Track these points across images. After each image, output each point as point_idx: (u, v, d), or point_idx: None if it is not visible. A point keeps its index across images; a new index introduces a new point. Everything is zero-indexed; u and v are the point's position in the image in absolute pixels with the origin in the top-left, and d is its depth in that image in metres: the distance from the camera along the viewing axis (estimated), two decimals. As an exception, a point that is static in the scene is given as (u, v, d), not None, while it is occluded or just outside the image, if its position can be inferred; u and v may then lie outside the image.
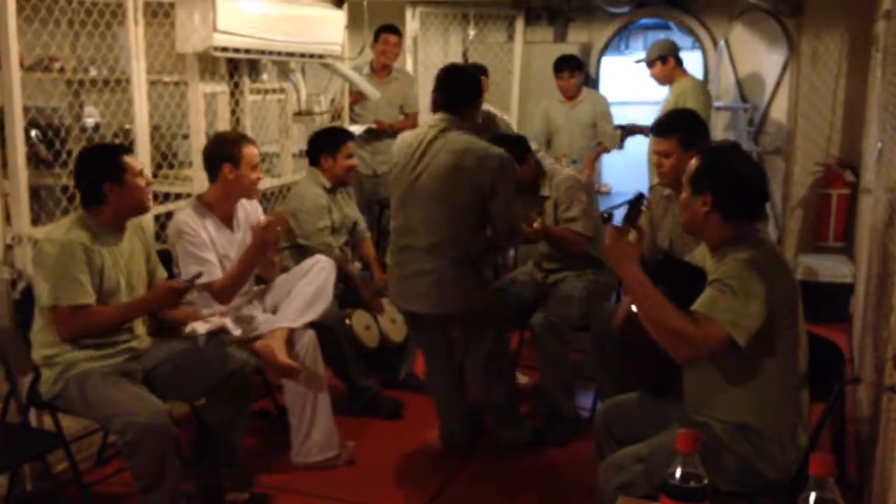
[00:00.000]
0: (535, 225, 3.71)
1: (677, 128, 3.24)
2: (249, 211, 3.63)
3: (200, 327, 3.18)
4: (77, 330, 2.89)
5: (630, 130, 5.84)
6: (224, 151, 3.44)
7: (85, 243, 2.89)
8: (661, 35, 8.62)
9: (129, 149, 3.17)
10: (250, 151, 3.45)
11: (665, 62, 5.47)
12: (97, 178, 2.94)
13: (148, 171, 3.23)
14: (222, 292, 3.39)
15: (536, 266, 4.17)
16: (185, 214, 3.40)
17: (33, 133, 3.72)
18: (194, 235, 3.36)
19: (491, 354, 3.55)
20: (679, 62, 5.51)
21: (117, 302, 2.98)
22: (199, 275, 3.17)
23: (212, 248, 3.41)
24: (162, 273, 3.28)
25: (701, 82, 5.82)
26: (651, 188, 3.66)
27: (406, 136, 3.46)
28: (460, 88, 3.38)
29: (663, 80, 5.54)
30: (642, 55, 5.76)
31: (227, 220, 3.52)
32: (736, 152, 2.49)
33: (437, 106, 3.38)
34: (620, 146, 5.85)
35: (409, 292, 3.44)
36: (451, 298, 3.38)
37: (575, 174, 4.09)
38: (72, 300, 2.83)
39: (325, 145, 4.24)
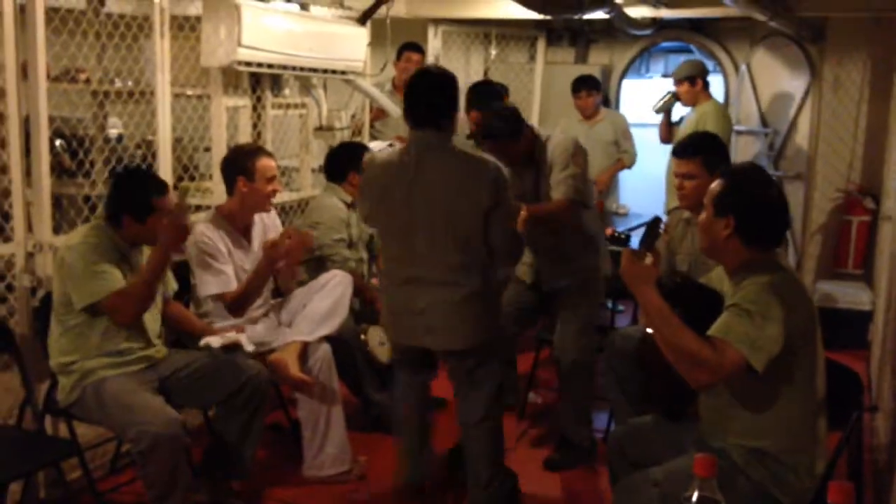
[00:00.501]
0: (522, 213, 3.32)
1: (701, 150, 3.20)
2: (268, 224, 3.65)
3: (214, 341, 3.19)
4: (129, 308, 2.91)
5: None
6: (239, 164, 3.46)
7: (102, 244, 2.95)
8: (682, 58, 8.65)
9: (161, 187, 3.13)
10: (264, 164, 3.46)
11: (693, 83, 5.42)
12: (126, 209, 3.00)
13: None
14: (235, 304, 3.41)
15: (527, 266, 3.89)
16: (202, 226, 3.42)
17: (58, 143, 3.76)
18: (211, 246, 3.39)
19: (490, 404, 3.15)
20: (706, 85, 5.49)
21: None
22: (186, 207, 3.12)
23: (228, 259, 3.43)
24: (173, 285, 3.31)
25: (723, 106, 5.81)
26: (670, 211, 3.65)
27: (385, 158, 3.11)
28: (442, 99, 3.00)
29: (689, 100, 5.50)
30: (661, 80, 5.78)
31: (245, 233, 3.54)
32: (760, 176, 2.46)
33: (418, 121, 3.00)
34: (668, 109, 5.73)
35: (419, 327, 3.06)
36: (472, 330, 3.07)
37: (574, 139, 3.77)
38: (110, 289, 2.88)
39: (353, 161, 4.14)
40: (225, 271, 3.40)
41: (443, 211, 2.95)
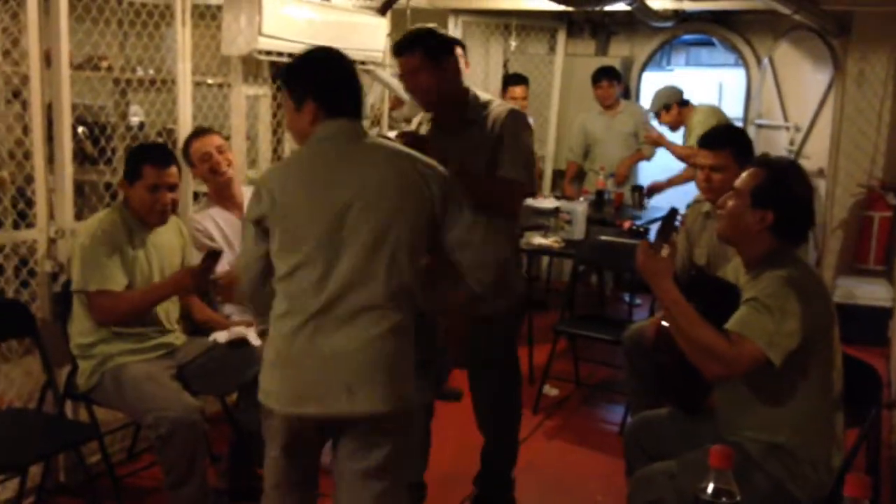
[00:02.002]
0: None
1: (731, 141, 3.15)
2: None
3: (221, 336, 3.20)
4: (107, 314, 2.94)
5: (651, 190, 6.02)
6: (184, 154, 3.47)
7: (116, 231, 2.96)
8: (704, 51, 8.61)
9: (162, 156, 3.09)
10: (196, 147, 3.43)
11: (669, 110, 5.68)
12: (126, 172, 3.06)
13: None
14: (227, 288, 3.43)
15: None
16: (196, 215, 3.51)
17: (80, 130, 3.79)
18: (202, 230, 3.44)
19: None
20: (684, 104, 5.70)
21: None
22: (217, 253, 3.08)
23: (221, 238, 3.45)
24: None
25: (714, 106, 6.00)
26: (690, 204, 3.62)
27: (290, 158, 2.49)
28: (357, 79, 2.34)
29: (675, 125, 5.75)
30: (684, 70, 5.82)
31: (234, 207, 3.54)
32: (800, 172, 2.44)
33: (338, 108, 2.26)
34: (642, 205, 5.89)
35: (329, 382, 2.15)
36: (402, 383, 2.23)
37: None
38: (99, 285, 2.90)
39: None
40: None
41: (383, 216, 2.17)
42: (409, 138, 2.70)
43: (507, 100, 5.46)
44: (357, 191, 2.17)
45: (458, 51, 2.99)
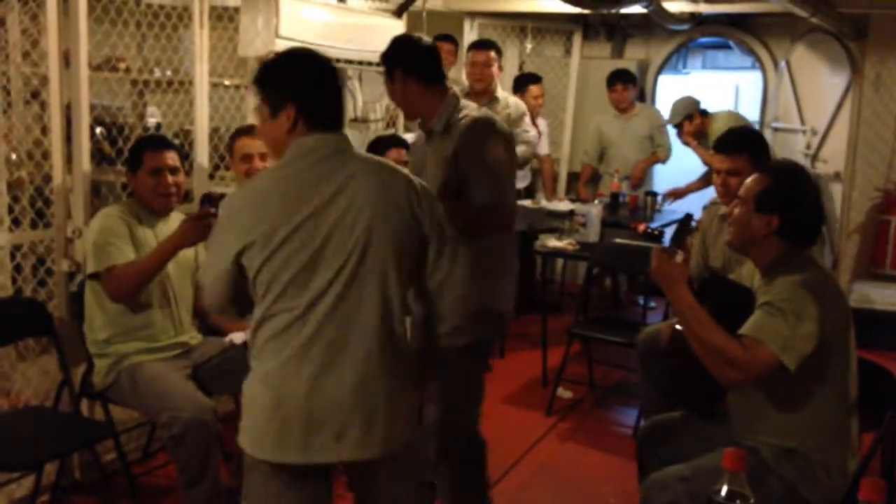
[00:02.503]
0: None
1: (747, 145, 3.13)
2: None
3: (237, 337, 3.20)
4: (119, 284, 2.93)
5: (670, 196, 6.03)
6: (228, 145, 3.54)
7: (126, 218, 3.01)
8: (720, 54, 8.57)
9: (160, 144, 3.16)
10: (239, 147, 3.45)
11: (692, 120, 5.69)
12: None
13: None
14: None
15: None
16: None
17: (98, 130, 3.81)
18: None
19: None
20: (704, 113, 5.71)
21: (163, 282, 3.06)
22: (214, 198, 3.09)
23: None
24: None
25: (732, 111, 6.03)
26: (706, 206, 3.61)
27: (265, 180, 2.10)
28: (339, 89, 2.15)
29: (699, 134, 5.71)
30: (700, 73, 5.82)
31: None
32: (805, 176, 2.44)
33: (316, 118, 2.04)
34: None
35: (341, 427, 1.97)
36: (404, 424, 2.08)
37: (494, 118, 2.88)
38: (111, 262, 2.92)
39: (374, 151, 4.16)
40: None
41: (385, 235, 2.01)
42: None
43: (526, 99, 5.48)
44: (370, 213, 1.98)
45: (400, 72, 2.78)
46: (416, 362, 2.19)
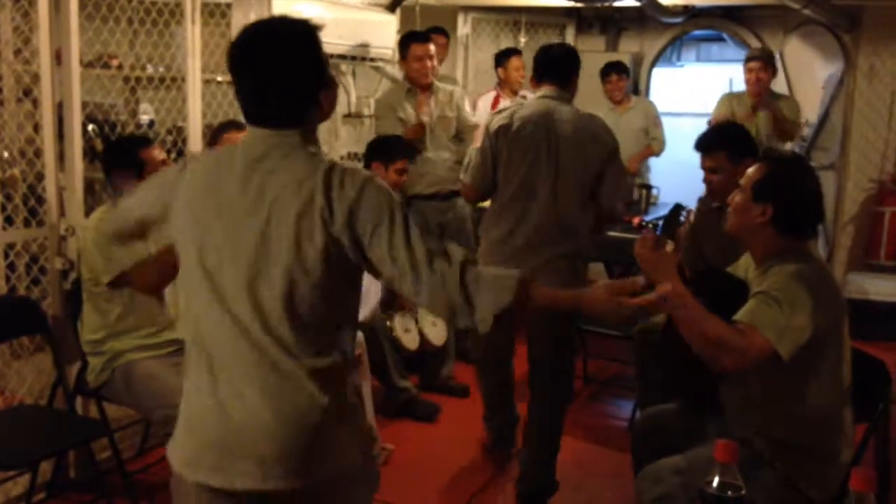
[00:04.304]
0: None
1: (724, 143, 3.13)
2: None
3: None
4: (150, 275, 2.83)
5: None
6: (211, 146, 3.48)
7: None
8: (714, 47, 8.56)
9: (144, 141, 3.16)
10: (230, 138, 3.41)
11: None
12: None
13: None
14: None
15: None
16: None
17: (90, 127, 3.81)
18: None
19: None
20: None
21: None
22: None
23: None
24: None
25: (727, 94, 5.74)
26: (700, 199, 3.61)
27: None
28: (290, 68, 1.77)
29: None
30: (694, 66, 5.76)
31: None
32: (802, 165, 2.44)
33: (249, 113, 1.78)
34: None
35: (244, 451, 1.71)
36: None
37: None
38: (133, 258, 2.84)
39: (379, 153, 4.04)
40: None
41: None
42: None
43: (507, 72, 5.54)
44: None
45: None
46: None
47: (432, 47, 4.64)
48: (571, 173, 3.14)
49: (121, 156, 3.05)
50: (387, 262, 1.68)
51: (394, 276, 1.69)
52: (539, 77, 3.31)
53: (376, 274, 1.73)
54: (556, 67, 3.29)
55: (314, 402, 1.69)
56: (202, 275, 1.71)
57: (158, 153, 3.06)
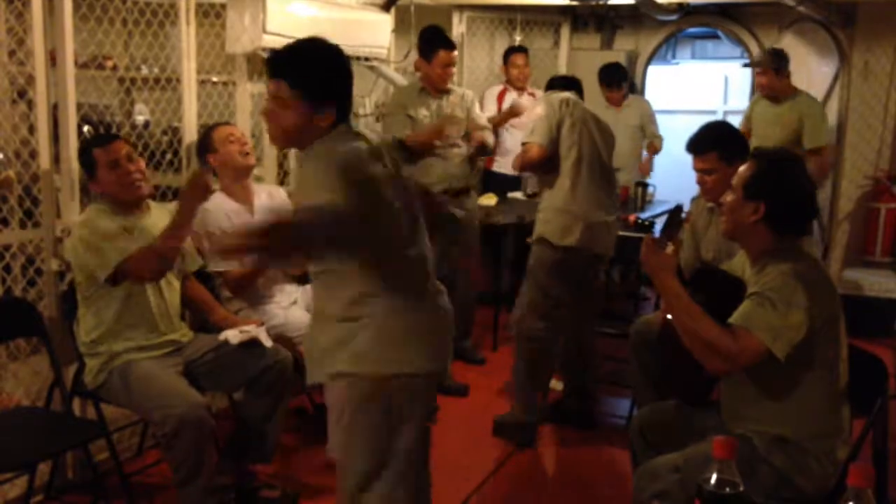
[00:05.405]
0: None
1: (716, 144, 3.12)
2: (274, 195, 3.69)
3: (233, 337, 3.16)
4: (151, 264, 2.89)
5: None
6: (201, 146, 3.54)
7: (104, 216, 2.98)
8: (709, 44, 8.57)
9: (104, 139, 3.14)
10: (220, 132, 3.50)
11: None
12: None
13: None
14: (236, 283, 3.49)
15: None
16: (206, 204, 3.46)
17: (85, 129, 3.80)
18: (212, 225, 3.42)
19: None
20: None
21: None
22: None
23: (228, 227, 3.42)
24: (196, 262, 3.31)
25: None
26: (694, 199, 3.62)
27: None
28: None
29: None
30: (689, 63, 5.76)
31: (244, 199, 3.56)
32: (794, 163, 2.44)
33: (345, 114, 2.30)
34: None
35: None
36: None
37: None
38: (126, 251, 2.89)
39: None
40: (214, 234, 3.42)
41: None
42: None
43: (509, 69, 5.75)
44: None
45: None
46: None
47: (456, 54, 4.74)
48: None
49: (80, 157, 3.11)
50: None
51: None
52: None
53: None
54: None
55: None
56: None
57: (119, 147, 3.01)
